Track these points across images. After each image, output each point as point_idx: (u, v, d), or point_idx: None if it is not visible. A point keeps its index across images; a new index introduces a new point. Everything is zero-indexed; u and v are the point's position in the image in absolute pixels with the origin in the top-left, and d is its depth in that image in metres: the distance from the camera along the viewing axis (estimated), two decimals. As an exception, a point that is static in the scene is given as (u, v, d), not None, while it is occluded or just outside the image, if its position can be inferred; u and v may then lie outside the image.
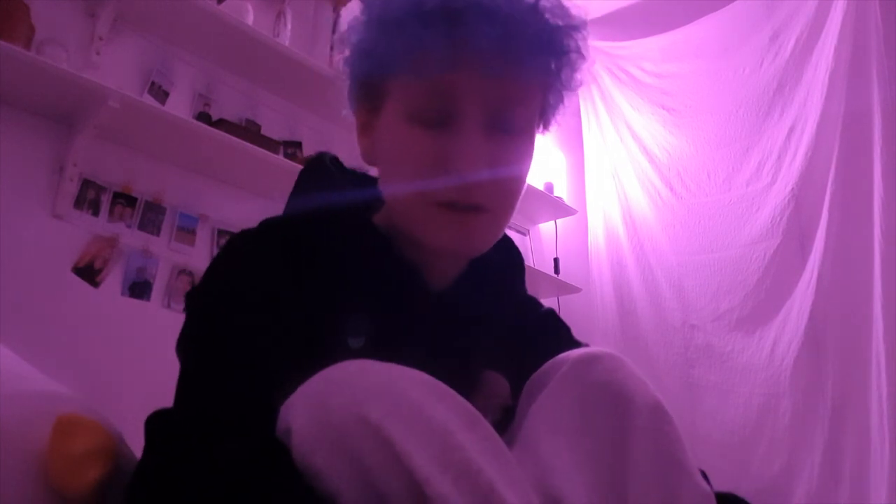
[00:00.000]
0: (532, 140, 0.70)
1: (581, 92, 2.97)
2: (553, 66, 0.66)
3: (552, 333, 0.84)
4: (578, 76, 0.69)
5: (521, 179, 0.69)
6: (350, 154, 0.79)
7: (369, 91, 0.70)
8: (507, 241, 0.85)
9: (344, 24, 0.70)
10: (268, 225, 0.69)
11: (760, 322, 2.22)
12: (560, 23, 0.64)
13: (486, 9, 0.60)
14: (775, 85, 2.32)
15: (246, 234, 0.68)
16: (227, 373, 0.59)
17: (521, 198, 0.70)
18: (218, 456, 0.52)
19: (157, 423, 0.57)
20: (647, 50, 2.68)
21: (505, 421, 0.72)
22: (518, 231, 2.92)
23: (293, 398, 0.54)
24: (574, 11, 0.65)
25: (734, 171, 2.39)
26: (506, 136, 0.66)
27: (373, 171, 0.77)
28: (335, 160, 0.80)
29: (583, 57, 0.67)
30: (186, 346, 0.63)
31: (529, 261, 2.82)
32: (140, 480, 0.54)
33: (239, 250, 0.67)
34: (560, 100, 0.71)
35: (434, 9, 0.60)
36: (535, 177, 2.84)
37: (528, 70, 0.64)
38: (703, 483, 0.58)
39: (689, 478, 0.57)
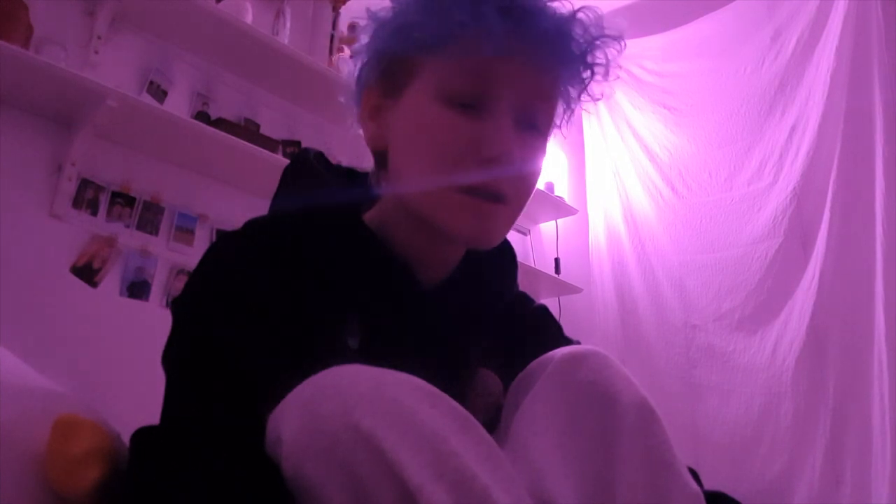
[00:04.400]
0: (546, 142, 0.71)
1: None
2: (587, 73, 0.68)
3: (543, 330, 0.83)
4: (599, 90, 0.70)
5: (538, 176, 0.70)
6: (349, 153, 0.77)
7: (394, 70, 0.68)
8: None
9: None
10: (253, 225, 0.67)
11: (762, 322, 2.21)
12: (597, 34, 0.66)
13: (536, 4, 0.63)
14: (777, 84, 2.32)
15: (230, 235, 0.66)
16: (214, 385, 0.57)
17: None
18: (202, 473, 0.51)
19: (142, 440, 0.56)
20: (649, 49, 2.67)
21: (497, 419, 0.71)
22: (518, 231, 2.92)
23: (283, 406, 0.53)
24: (609, 28, 0.67)
25: (736, 170, 2.39)
26: (530, 132, 0.67)
27: (367, 162, 0.75)
28: (320, 156, 0.77)
29: (608, 73, 0.69)
30: (173, 356, 0.61)
31: (530, 261, 2.82)
32: (127, 498, 0.53)
33: (224, 253, 0.65)
34: (571, 109, 0.72)
35: None
36: (536, 176, 2.83)
37: (567, 70, 0.66)
38: (692, 482, 0.58)
39: (677, 477, 0.57)
